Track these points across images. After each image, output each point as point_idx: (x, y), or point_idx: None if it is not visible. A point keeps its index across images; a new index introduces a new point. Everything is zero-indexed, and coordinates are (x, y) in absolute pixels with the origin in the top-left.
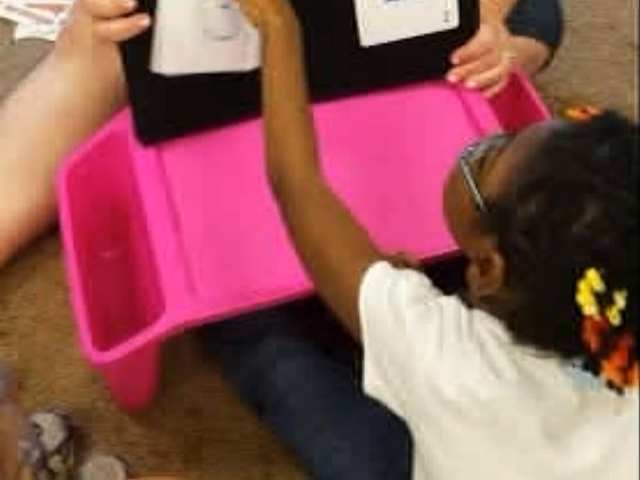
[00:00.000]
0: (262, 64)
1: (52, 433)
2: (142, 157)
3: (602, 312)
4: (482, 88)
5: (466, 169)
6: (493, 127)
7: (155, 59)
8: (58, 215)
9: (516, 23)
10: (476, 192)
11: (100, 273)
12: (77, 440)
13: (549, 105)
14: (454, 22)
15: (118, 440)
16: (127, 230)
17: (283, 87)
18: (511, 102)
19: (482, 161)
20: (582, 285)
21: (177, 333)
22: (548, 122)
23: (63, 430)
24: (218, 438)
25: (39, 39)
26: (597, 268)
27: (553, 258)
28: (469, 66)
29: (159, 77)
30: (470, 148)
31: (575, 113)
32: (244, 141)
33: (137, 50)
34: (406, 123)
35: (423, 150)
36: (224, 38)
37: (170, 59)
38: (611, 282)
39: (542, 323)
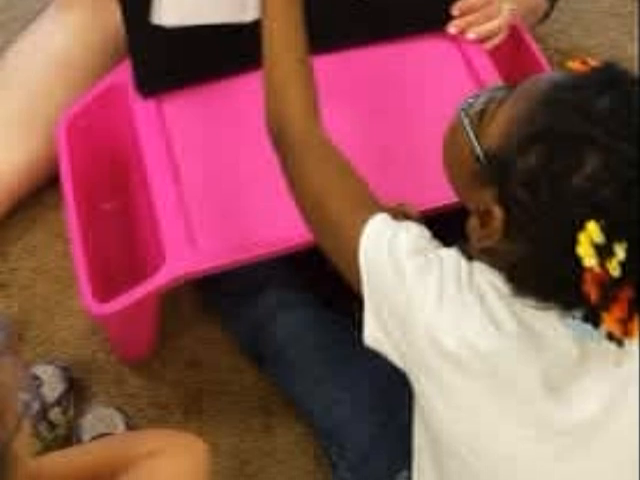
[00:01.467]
0: (262, 15)
1: (52, 385)
2: (142, 109)
3: (602, 264)
4: (482, 40)
5: (466, 121)
6: (493, 79)
7: (155, 11)
8: (58, 167)
9: None
10: (476, 144)
11: (100, 225)
12: (77, 392)
13: (549, 57)
14: None
15: (118, 392)
16: (127, 182)
17: (283, 39)
18: (511, 54)
19: (482, 113)
20: (582, 237)
21: (177, 285)
22: (548, 74)
23: (63, 382)
24: (218, 390)
25: None
26: (597, 220)
27: (553, 210)
28: (469, 18)
29: (159, 29)
30: (470, 100)
31: (575, 65)
32: (244, 93)
33: (137, 2)
34: (406, 75)
35: (423, 102)
36: None
37: (170, 11)
38: (611, 234)
39: (542, 275)
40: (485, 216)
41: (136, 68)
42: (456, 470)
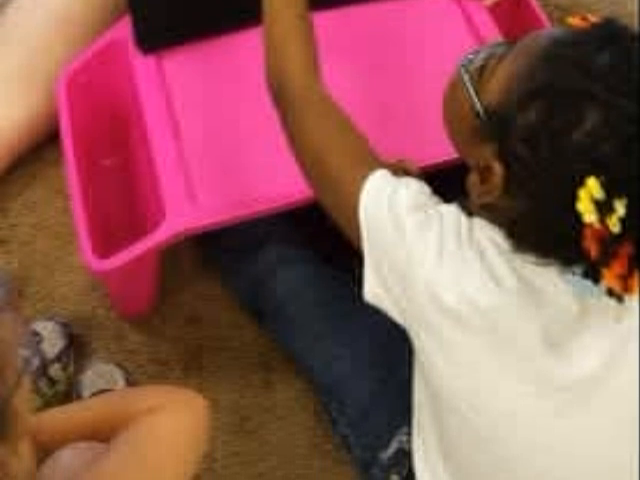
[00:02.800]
0: None
1: (52, 341)
2: (142, 65)
3: (602, 220)
4: None
5: (466, 77)
6: (493, 35)
7: None
8: (58, 123)
9: None
10: (476, 100)
11: (100, 181)
12: (77, 348)
13: (549, 13)
14: None
15: (118, 348)
16: (127, 138)
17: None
18: (511, 10)
19: (482, 69)
20: (582, 193)
21: (177, 241)
22: (548, 30)
23: (63, 338)
24: (218, 346)
25: None
26: (597, 176)
27: (553, 166)
28: None
29: None
30: (470, 56)
31: (575, 21)
32: (244, 49)
33: None
34: (406, 31)
35: (423, 58)
36: None
37: None
38: (611, 190)
39: (542, 231)
40: (485, 172)
41: (136, 24)
42: (456, 426)
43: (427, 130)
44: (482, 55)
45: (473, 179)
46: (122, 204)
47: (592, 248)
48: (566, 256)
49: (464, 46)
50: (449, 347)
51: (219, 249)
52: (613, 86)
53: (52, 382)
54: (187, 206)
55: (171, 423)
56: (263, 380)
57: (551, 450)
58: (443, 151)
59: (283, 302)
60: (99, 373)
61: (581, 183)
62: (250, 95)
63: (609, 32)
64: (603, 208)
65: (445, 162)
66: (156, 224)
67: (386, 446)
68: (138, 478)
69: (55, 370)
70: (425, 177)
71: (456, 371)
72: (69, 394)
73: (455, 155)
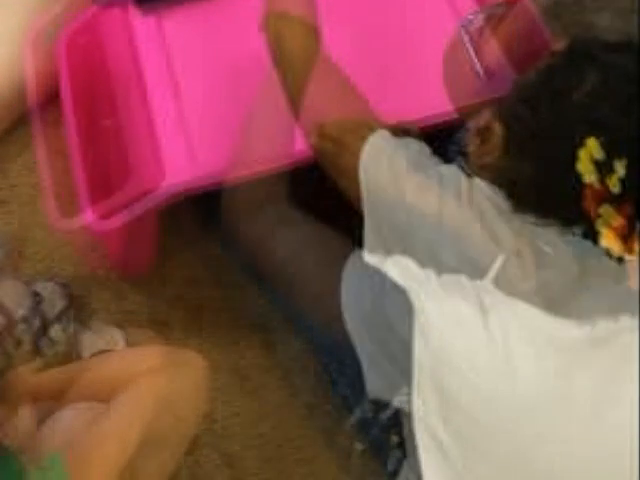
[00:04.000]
0: None
1: (52, 302)
2: (142, 25)
3: (602, 180)
4: None
5: (466, 38)
6: None
7: None
8: (58, 83)
9: None
10: (476, 60)
11: (100, 141)
12: (77, 309)
13: None
14: None
15: (118, 309)
16: (127, 98)
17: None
18: None
19: (482, 30)
20: (582, 153)
21: (176, 201)
22: None
23: (63, 299)
24: (218, 306)
25: None
26: (597, 137)
27: (553, 126)
28: None
29: None
30: (470, 17)
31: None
32: (244, 9)
33: None
34: None
35: (422, 19)
36: None
37: None
38: (611, 151)
39: (542, 191)
40: (485, 132)
41: None
42: (456, 386)
43: (425, 89)
44: (482, 16)
45: (473, 139)
46: (122, 164)
47: (592, 208)
48: (566, 217)
49: (464, 7)
50: (448, 307)
51: (218, 210)
52: (612, 46)
53: (52, 342)
54: (186, 165)
55: (170, 384)
56: (263, 340)
57: (551, 410)
58: (442, 109)
59: (283, 263)
60: (99, 333)
61: (581, 144)
62: (250, 55)
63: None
64: (603, 169)
65: (445, 121)
66: (156, 184)
67: (386, 406)
68: (138, 438)
69: (55, 330)
70: (425, 137)
71: (456, 331)
72: (69, 354)
73: (454, 114)
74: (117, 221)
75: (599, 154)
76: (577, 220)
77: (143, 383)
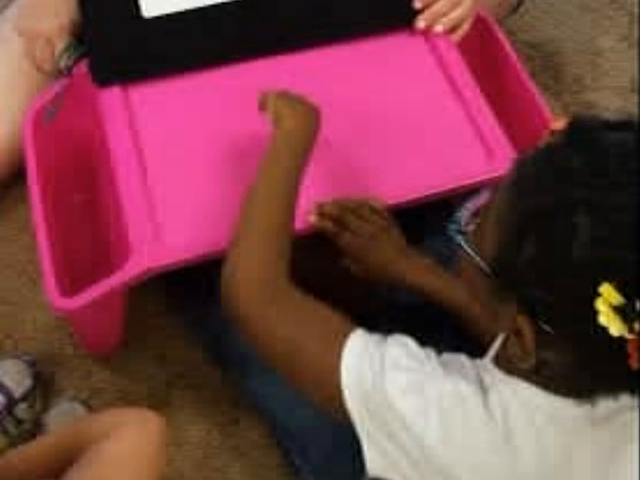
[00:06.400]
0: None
1: (18, 380)
2: (107, 99)
3: (631, 328)
4: (449, 31)
5: (466, 246)
6: (463, 73)
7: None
8: (25, 158)
9: None
10: (479, 260)
11: (67, 217)
12: (43, 386)
13: (518, 50)
14: None
15: (85, 385)
16: (96, 174)
17: (267, 191)
18: (480, 47)
19: (477, 228)
20: (600, 304)
21: (143, 280)
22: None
23: (29, 377)
24: (185, 383)
25: None
26: (610, 281)
27: (571, 290)
28: (434, 8)
29: (115, 19)
30: (462, 224)
31: (546, 136)
32: (214, 86)
33: None
34: (373, 73)
35: (422, 98)
36: None
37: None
38: (629, 291)
39: (597, 369)
40: (519, 337)
41: (90, 55)
42: (457, 466)
43: (425, 168)
44: (469, 215)
45: (513, 349)
46: (89, 241)
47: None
48: (613, 385)
49: (435, 86)
50: (449, 385)
51: (183, 292)
52: (593, 185)
53: (18, 421)
54: (152, 244)
55: (119, 447)
56: (230, 417)
57: None
58: (442, 188)
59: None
60: (63, 411)
61: (595, 293)
62: (219, 133)
63: (570, 137)
64: (627, 314)
65: (444, 200)
66: (122, 262)
67: None
68: None
69: (21, 410)
70: (425, 216)
71: (456, 410)
72: (34, 433)
73: (454, 193)
74: (81, 300)
75: (616, 299)
76: (625, 382)
77: (90, 450)
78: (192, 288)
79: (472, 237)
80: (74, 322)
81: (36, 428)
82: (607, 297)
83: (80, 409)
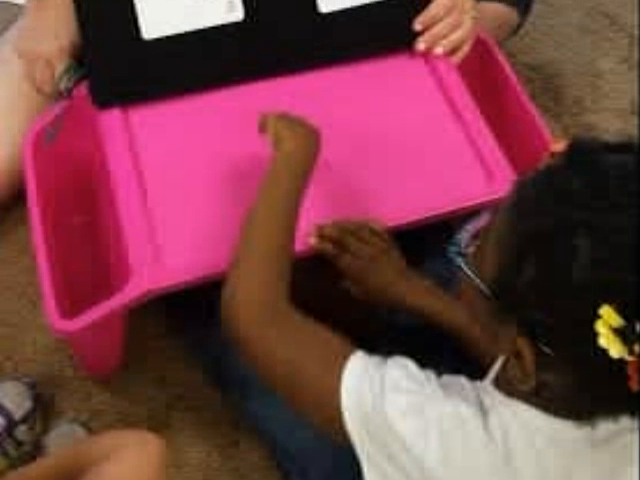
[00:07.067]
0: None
1: (18, 402)
2: (108, 121)
3: (632, 350)
4: (449, 53)
5: (466, 268)
6: (463, 95)
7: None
8: (25, 180)
9: None
10: (479, 282)
11: (67, 239)
12: (43, 408)
13: (518, 72)
14: None
15: (85, 407)
16: (96, 195)
17: (267, 213)
18: (480, 69)
19: (477, 250)
20: (600, 326)
21: (142, 302)
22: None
23: (29, 399)
24: (185, 405)
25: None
26: (610, 303)
27: (571, 312)
28: (434, 30)
29: (115, 41)
30: (462, 246)
31: (546, 158)
32: (214, 108)
33: (94, 12)
34: (374, 95)
35: (422, 120)
36: None
37: (153, 23)
38: (628, 313)
39: (598, 391)
40: (519, 359)
41: (90, 78)
42: None
43: (425, 190)
44: (470, 238)
45: (513, 371)
46: (89, 263)
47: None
48: (613, 406)
49: (436, 109)
50: (449, 407)
51: (183, 317)
52: (592, 207)
53: (18, 443)
54: (152, 266)
55: (119, 469)
56: (231, 439)
57: None
58: (442, 210)
59: (246, 370)
60: (63, 434)
61: (595, 315)
62: (219, 155)
63: (574, 157)
64: (627, 336)
65: (444, 222)
66: (122, 284)
67: None
68: None
69: (21, 432)
70: (426, 239)
71: (456, 432)
72: (34, 455)
73: (454, 215)
74: (81, 322)
75: (616, 320)
76: (625, 404)
77: (91, 472)
78: (192, 310)
79: (472, 259)
80: (74, 344)
81: (36, 450)
82: (607, 319)
83: (80, 431)
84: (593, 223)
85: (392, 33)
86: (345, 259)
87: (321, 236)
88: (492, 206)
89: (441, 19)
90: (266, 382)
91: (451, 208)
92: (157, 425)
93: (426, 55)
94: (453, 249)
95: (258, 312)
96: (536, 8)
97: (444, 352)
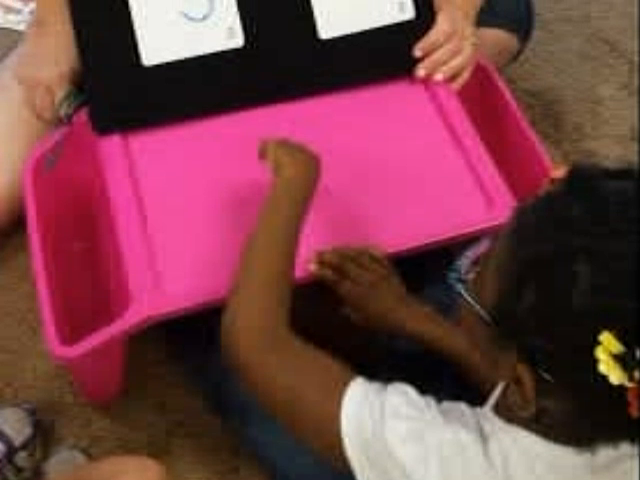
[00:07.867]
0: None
1: (18, 428)
2: (107, 147)
3: (631, 376)
4: (449, 79)
5: (466, 294)
6: (462, 122)
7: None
8: (25, 207)
9: (485, 15)
10: (479, 308)
11: (67, 266)
12: (43, 434)
13: (518, 98)
14: (410, 13)
15: (84, 433)
16: (96, 222)
17: (267, 239)
18: (480, 95)
19: (477, 277)
20: (600, 353)
21: (142, 328)
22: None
23: (29, 425)
24: (185, 431)
25: (6, 29)
26: (610, 330)
27: (571, 339)
28: (434, 57)
29: (116, 68)
30: (462, 272)
31: (546, 184)
32: (214, 134)
33: (94, 37)
34: (374, 121)
35: (422, 147)
36: (204, 17)
37: (153, 49)
38: (629, 340)
39: (598, 417)
40: (519, 386)
41: (91, 104)
42: None
43: (425, 216)
44: (469, 264)
45: (513, 397)
46: (89, 289)
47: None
48: (613, 433)
49: (435, 133)
50: (449, 434)
51: (183, 343)
52: (592, 233)
53: (18, 470)
54: (152, 293)
55: None
56: (231, 466)
57: None
58: (442, 236)
59: (246, 397)
60: (63, 460)
61: (595, 341)
62: (219, 181)
63: (574, 183)
64: (627, 362)
65: (444, 248)
66: (122, 311)
67: None
68: None
69: (21, 458)
70: (426, 265)
71: (456, 458)
72: None
73: (454, 241)
74: (81, 348)
75: (616, 347)
76: (625, 430)
77: None
78: (192, 336)
79: (472, 285)
80: (74, 370)
81: (36, 476)
82: (607, 345)
83: (80, 457)
84: (593, 249)
85: (392, 59)
86: (345, 285)
87: (321, 262)
88: (492, 232)
89: (441, 45)
90: (266, 408)
91: (451, 234)
92: (157, 451)
93: (426, 81)
94: (453, 275)
95: (258, 338)
96: (536, 34)
97: (444, 378)
